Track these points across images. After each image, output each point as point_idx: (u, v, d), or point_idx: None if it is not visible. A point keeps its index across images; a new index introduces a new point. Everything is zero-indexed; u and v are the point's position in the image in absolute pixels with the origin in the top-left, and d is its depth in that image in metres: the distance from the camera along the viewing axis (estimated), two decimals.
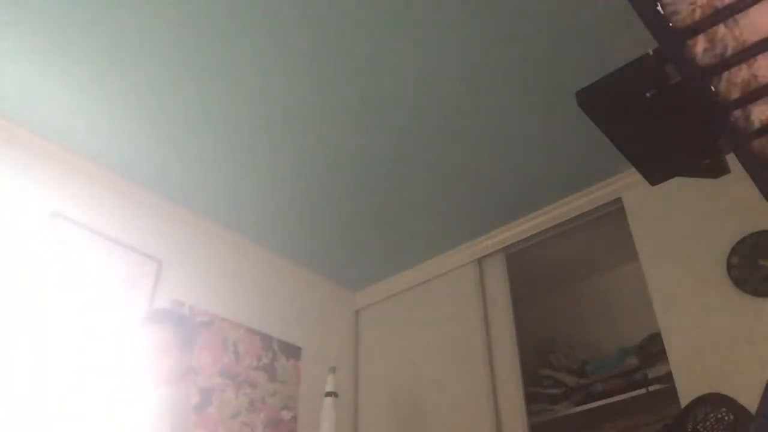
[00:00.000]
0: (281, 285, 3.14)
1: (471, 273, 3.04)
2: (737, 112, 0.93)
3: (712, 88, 0.91)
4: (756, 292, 2.10)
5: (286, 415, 2.81)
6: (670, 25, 0.86)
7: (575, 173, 2.64)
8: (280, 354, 2.92)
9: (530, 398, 2.74)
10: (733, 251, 2.19)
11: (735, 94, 0.90)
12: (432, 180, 2.65)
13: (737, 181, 1.16)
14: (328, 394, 2.52)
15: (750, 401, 1.63)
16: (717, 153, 1.06)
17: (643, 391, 2.56)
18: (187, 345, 2.00)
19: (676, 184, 1.30)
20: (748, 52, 0.87)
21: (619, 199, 2.64)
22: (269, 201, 2.78)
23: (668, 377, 2.30)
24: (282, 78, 2.16)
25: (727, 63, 0.88)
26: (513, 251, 3.00)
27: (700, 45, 0.87)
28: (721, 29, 0.86)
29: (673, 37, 0.87)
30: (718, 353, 2.10)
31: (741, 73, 0.89)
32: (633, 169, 1.33)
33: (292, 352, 2.98)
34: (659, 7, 0.85)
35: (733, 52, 0.87)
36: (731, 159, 1.05)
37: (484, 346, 2.81)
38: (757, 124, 0.93)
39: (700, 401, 1.87)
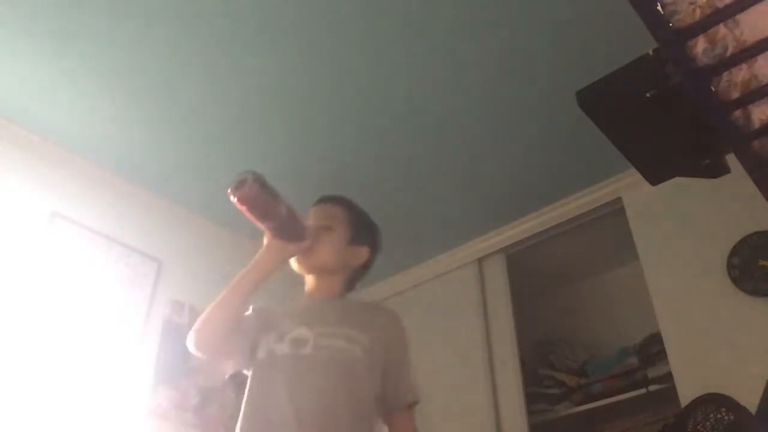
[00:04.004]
0: (281, 285, 3.12)
1: (471, 273, 3.04)
2: (737, 112, 0.92)
3: (712, 88, 0.90)
4: (756, 292, 2.10)
5: None
6: (670, 25, 0.86)
7: (575, 173, 2.64)
8: None
9: (530, 398, 2.73)
10: (733, 251, 2.19)
11: (735, 94, 0.90)
12: (432, 180, 2.65)
13: (737, 181, 1.16)
14: None
15: (750, 401, 1.63)
16: (717, 153, 1.06)
17: (643, 391, 2.55)
18: None
19: (676, 184, 1.29)
20: (748, 52, 0.87)
21: (619, 199, 2.64)
22: None
23: (668, 377, 2.29)
24: (282, 80, 2.16)
25: (727, 63, 0.88)
26: (513, 251, 2.99)
27: (700, 45, 0.87)
28: (721, 29, 0.86)
29: (673, 37, 0.87)
30: (718, 353, 2.10)
31: (741, 73, 0.89)
32: (633, 169, 1.33)
33: None
34: (659, 7, 0.85)
35: (733, 52, 0.87)
36: (731, 159, 1.05)
37: (484, 346, 2.81)
38: (757, 124, 0.92)
39: (700, 401, 1.87)
